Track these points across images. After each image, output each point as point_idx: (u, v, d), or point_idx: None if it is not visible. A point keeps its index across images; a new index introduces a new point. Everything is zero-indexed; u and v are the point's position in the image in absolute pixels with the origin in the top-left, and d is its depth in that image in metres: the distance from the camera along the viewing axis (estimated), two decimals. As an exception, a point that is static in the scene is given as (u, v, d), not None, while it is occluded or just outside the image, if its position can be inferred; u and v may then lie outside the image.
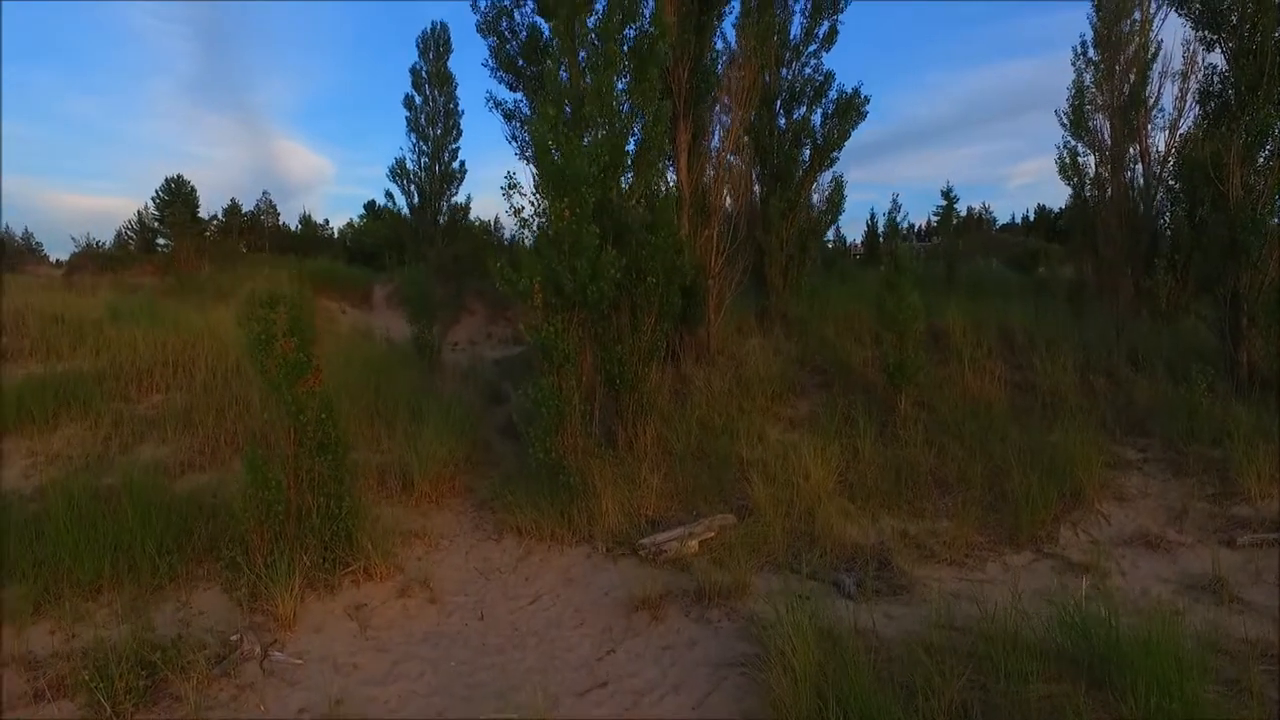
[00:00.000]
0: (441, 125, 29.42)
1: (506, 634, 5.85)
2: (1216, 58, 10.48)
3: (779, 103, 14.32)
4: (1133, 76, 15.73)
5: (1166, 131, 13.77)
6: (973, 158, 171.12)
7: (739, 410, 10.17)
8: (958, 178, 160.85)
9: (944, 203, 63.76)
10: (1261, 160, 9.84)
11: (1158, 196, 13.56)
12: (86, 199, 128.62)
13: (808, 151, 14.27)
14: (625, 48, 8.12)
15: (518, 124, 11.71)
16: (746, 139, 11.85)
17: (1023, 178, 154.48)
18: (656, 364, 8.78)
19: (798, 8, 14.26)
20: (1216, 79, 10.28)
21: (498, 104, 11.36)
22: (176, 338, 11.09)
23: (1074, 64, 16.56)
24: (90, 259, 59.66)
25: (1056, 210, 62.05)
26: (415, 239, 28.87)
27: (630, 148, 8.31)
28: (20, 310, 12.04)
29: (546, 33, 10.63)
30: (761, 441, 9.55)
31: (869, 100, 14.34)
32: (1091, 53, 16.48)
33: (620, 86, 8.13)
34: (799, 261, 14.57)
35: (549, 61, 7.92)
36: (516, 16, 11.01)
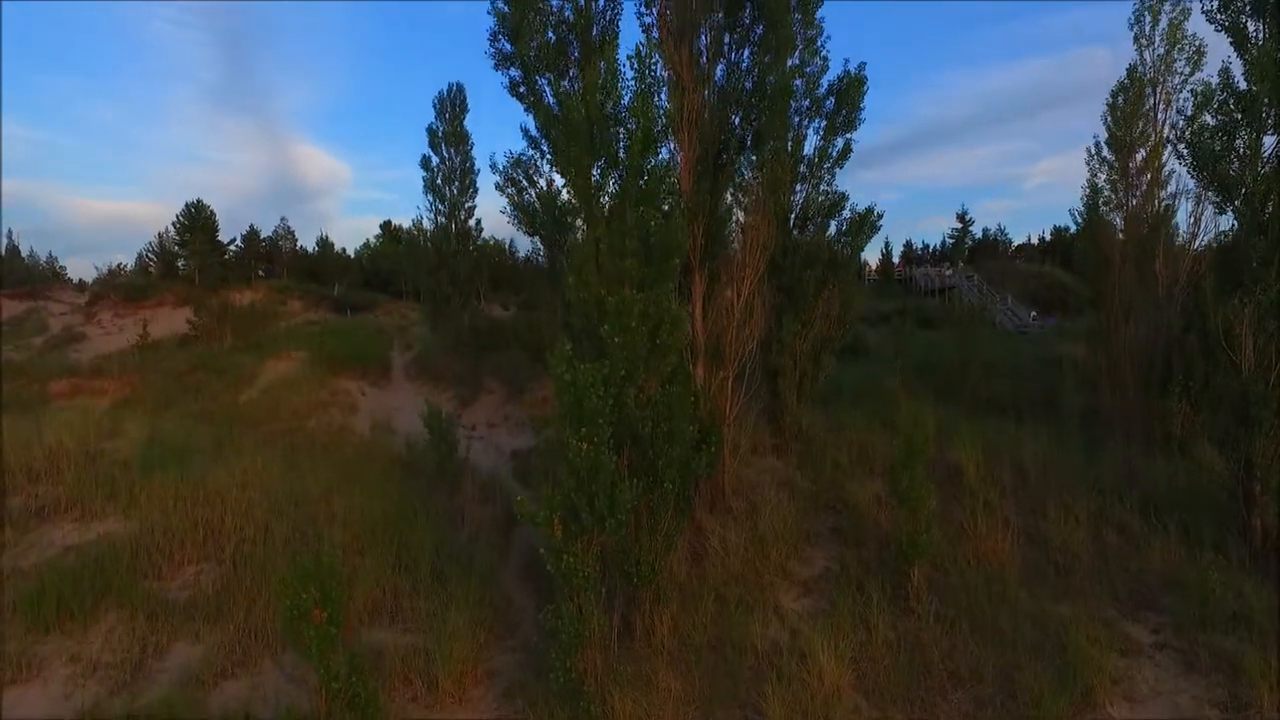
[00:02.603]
0: (458, 184, 29.85)
1: None
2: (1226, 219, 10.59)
3: (792, 218, 14.49)
4: (1147, 178, 15.80)
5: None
6: (987, 158, 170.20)
7: (754, 574, 10.36)
8: (972, 178, 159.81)
9: (959, 225, 62.97)
10: (1274, 328, 9.87)
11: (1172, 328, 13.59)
12: (109, 204, 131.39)
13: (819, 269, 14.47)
14: (643, 241, 8.30)
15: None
16: (763, 269, 11.93)
17: (1039, 178, 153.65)
18: (672, 553, 8.96)
19: (811, 127, 14.41)
20: (1228, 242, 10.34)
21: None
22: (205, 493, 11.39)
23: (1088, 163, 16.64)
24: (112, 288, 60.51)
25: (1073, 230, 61.79)
26: (433, 299, 29.26)
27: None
28: (54, 450, 12.43)
29: (564, 194, 10.86)
30: (777, 615, 9.72)
31: (882, 215, 14.55)
32: (1106, 152, 16.55)
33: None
34: (812, 376, 14.70)
35: (566, 289, 8.11)
36: (534, 175, 11.27)
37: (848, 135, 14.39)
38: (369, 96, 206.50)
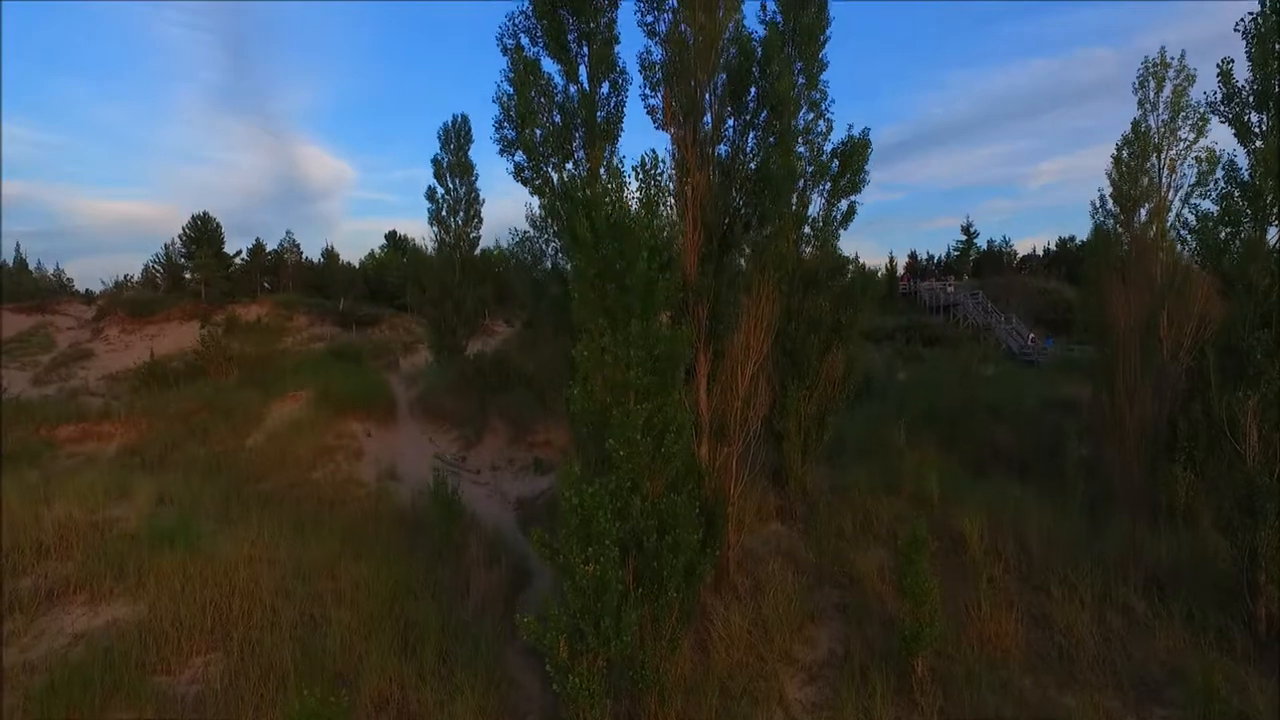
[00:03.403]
0: (463, 213, 29.99)
1: None
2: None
3: (795, 278, 14.50)
4: (1152, 231, 15.79)
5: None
6: (992, 157, 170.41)
7: (758, 660, 10.40)
8: (977, 178, 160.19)
9: (964, 237, 63.19)
10: (1278, 420, 9.88)
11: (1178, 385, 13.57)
12: (115, 204, 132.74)
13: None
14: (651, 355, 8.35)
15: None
16: (767, 349, 11.96)
17: (1043, 178, 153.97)
18: (676, 655, 9.00)
19: (816, 190, 14.46)
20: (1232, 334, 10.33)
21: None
22: (212, 570, 11.46)
23: (1092, 216, 16.68)
24: (119, 302, 60.67)
25: (1078, 242, 61.62)
26: (438, 331, 29.33)
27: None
28: (63, 523, 12.53)
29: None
30: (781, 706, 9.76)
31: (887, 279, 14.54)
32: (1110, 205, 16.57)
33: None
34: (817, 438, 14.73)
35: (571, 400, 8.16)
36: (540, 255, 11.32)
37: (852, 198, 14.46)
38: (373, 98, 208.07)
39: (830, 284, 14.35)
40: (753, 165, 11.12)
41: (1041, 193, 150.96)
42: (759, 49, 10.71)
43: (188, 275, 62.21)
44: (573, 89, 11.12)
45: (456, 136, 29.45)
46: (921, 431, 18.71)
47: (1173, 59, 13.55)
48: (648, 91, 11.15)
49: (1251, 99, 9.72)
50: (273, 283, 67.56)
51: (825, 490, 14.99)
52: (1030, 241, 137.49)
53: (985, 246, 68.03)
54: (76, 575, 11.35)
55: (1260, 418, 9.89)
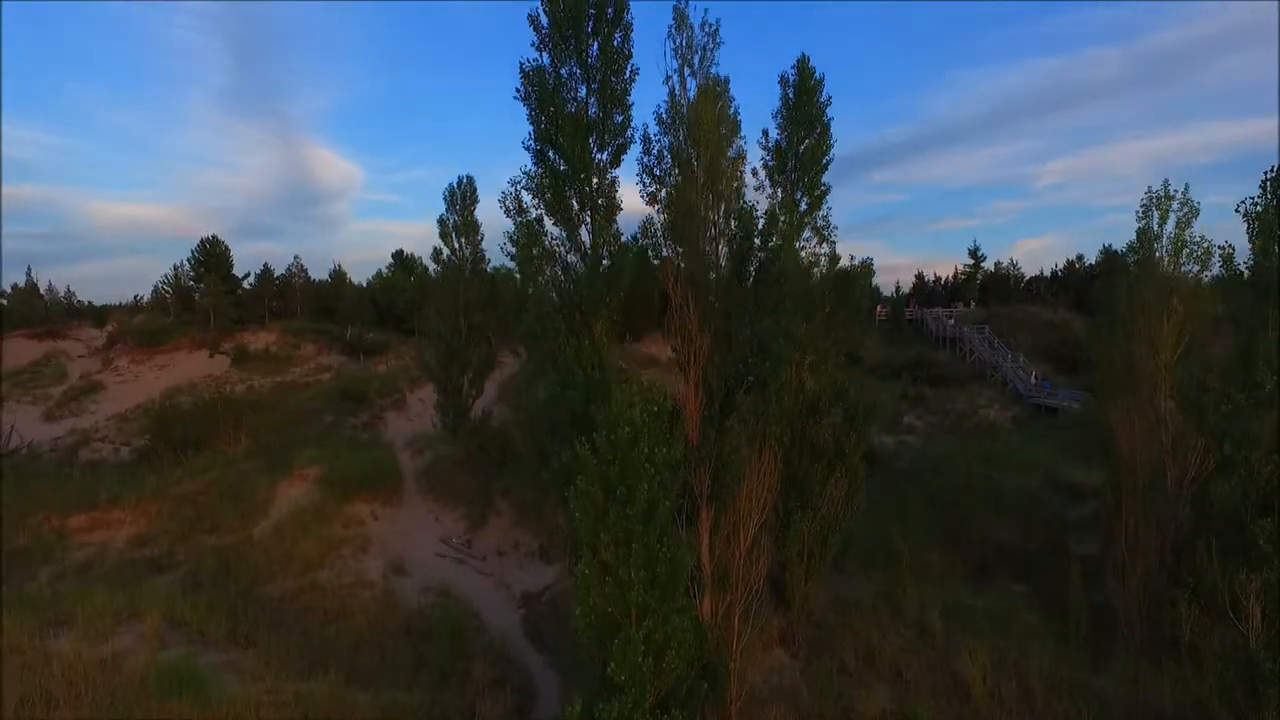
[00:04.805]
0: (469, 269, 30.16)
1: None
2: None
3: (800, 407, 14.55)
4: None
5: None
6: (1000, 157, 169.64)
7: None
8: (985, 177, 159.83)
9: (971, 261, 62.78)
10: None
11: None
12: (125, 207, 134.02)
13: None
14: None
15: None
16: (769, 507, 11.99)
17: (1050, 177, 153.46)
18: None
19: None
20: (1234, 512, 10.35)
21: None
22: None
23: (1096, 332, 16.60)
24: (129, 330, 60.94)
25: (1089, 264, 61.23)
26: (445, 391, 29.43)
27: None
28: (70, 663, 12.66)
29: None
30: None
31: (884, 408, 14.57)
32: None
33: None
34: (820, 557, 14.78)
35: (573, 618, 8.26)
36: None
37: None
38: (380, 100, 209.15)
39: (832, 410, 14.39)
40: (753, 332, 11.18)
41: (1047, 192, 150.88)
42: (761, 219, 10.77)
43: (197, 297, 62.68)
44: (577, 263, 11.18)
45: (462, 196, 29.59)
46: (924, 528, 18.62)
47: (1176, 191, 13.46)
48: (649, 253, 11.23)
49: (1250, 290, 9.73)
50: (280, 306, 67.87)
51: (828, 609, 15.05)
52: (1038, 242, 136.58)
53: (993, 267, 67.55)
54: (85, 732, 11.49)
55: (1263, 600, 9.89)
